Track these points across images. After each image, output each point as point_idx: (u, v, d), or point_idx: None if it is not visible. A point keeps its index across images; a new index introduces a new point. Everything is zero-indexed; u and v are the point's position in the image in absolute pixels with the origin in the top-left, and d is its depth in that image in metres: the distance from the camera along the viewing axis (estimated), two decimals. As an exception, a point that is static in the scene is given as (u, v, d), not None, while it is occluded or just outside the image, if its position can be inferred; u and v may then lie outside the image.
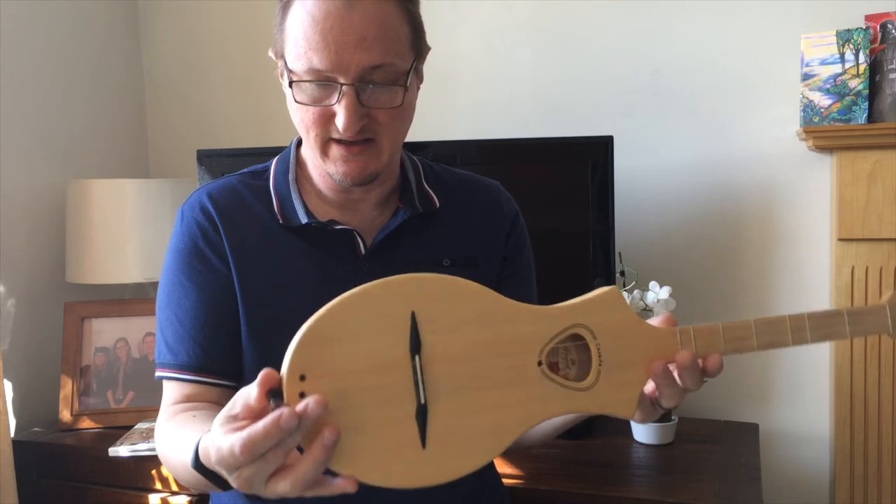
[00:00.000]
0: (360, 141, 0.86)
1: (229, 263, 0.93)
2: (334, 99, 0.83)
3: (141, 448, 1.53)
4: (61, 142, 1.91)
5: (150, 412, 1.70)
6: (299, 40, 0.83)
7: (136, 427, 1.66)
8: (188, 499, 1.49)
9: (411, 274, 0.66)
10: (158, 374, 0.94)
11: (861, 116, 1.47)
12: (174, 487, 1.50)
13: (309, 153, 0.93)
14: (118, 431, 1.65)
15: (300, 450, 0.63)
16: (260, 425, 0.59)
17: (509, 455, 1.44)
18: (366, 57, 0.82)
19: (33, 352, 1.82)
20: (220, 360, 0.93)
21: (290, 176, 0.96)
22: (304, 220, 0.93)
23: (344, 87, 0.82)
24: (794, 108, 1.61)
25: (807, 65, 1.51)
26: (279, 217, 0.94)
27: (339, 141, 0.86)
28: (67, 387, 1.71)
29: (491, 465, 1.09)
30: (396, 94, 0.85)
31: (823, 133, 1.49)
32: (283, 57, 0.87)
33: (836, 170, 1.53)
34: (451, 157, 1.56)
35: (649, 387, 0.75)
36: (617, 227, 1.55)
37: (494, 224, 1.01)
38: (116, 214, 1.72)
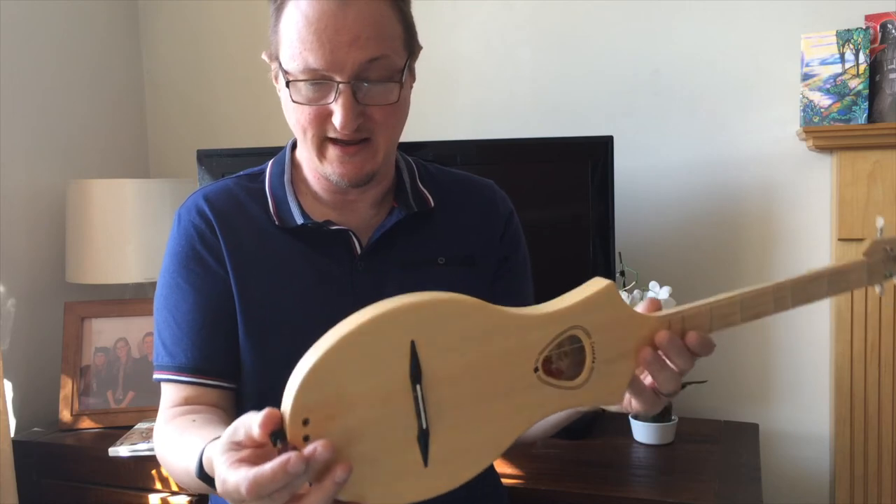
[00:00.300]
0: (357, 141, 0.86)
1: (226, 266, 0.93)
2: (331, 98, 0.84)
3: (141, 448, 1.53)
4: (61, 142, 1.91)
5: (150, 412, 1.70)
6: (294, 41, 0.83)
7: (136, 427, 1.66)
8: (188, 499, 1.49)
9: (407, 300, 0.64)
10: (156, 376, 0.95)
11: (861, 116, 1.47)
12: (174, 487, 1.50)
13: (305, 155, 0.93)
14: (118, 431, 1.65)
15: None
16: (267, 468, 0.59)
17: (509, 454, 1.44)
18: (361, 54, 0.82)
19: (33, 352, 1.82)
20: (217, 362, 0.93)
21: (286, 177, 0.97)
22: (299, 220, 0.93)
23: (340, 86, 0.83)
24: (794, 108, 1.61)
25: (807, 65, 1.51)
26: (275, 218, 0.94)
27: (335, 141, 0.87)
28: (67, 387, 1.71)
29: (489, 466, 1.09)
30: (392, 90, 0.86)
31: (823, 133, 1.49)
32: (277, 59, 0.87)
33: (836, 170, 1.53)
34: (450, 157, 1.56)
35: (649, 378, 0.75)
36: (617, 227, 1.55)
37: (489, 223, 1.02)
38: (116, 214, 1.73)
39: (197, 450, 0.73)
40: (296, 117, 0.87)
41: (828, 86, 1.49)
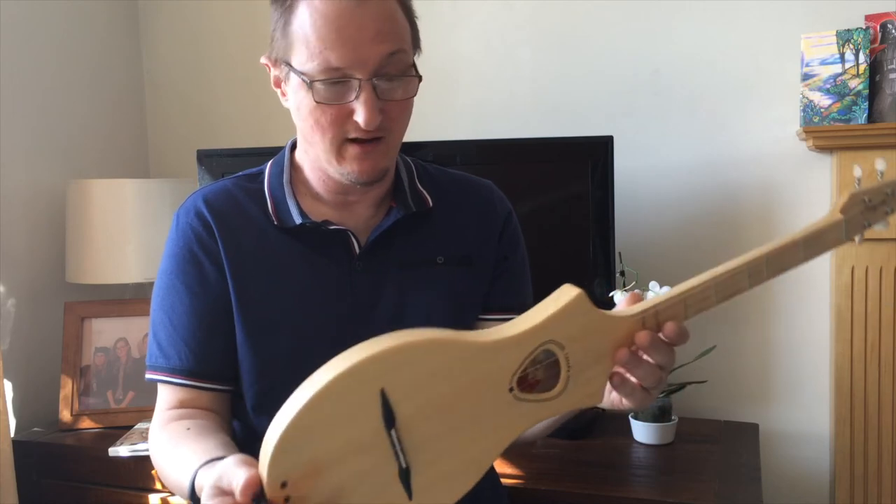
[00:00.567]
0: (373, 139, 0.87)
1: (224, 268, 0.93)
2: (352, 96, 0.84)
3: (141, 448, 1.53)
4: (61, 142, 1.91)
5: (150, 412, 1.66)
6: (312, 41, 0.83)
7: (136, 427, 1.66)
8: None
9: (369, 350, 0.64)
10: (149, 376, 0.95)
11: (861, 116, 1.47)
12: (174, 487, 1.50)
13: (312, 156, 0.93)
14: (118, 431, 1.65)
15: None
16: None
17: (509, 454, 1.44)
18: (383, 48, 0.83)
19: (33, 352, 1.82)
20: (213, 365, 0.93)
21: (285, 178, 0.97)
22: (298, 220, 0.93)
23: (361, 83, 0.83)
24: (794, 108, 1.61)
25: (807, 65, 1.51)
26: (274, 219, 0.94)
27: (354, 140, 0.87)
28: (67, 387, 1.71)
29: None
30: (410, 83, 0.87)
31: (823, 133, 1.48)
32: (285, 62, 0.87)
33: (836, 170, 1.53)
34: (450, 157, 1.56)
35: (630, 376, 0.74)
36: (617, 227, 1.55)
37: (488, 223, 1.02)
38: (116, 214, 1.73)
39: (189, 469, 0.75)
40: (314, 119, 0.86)
41: (828, 86, 1.49)
